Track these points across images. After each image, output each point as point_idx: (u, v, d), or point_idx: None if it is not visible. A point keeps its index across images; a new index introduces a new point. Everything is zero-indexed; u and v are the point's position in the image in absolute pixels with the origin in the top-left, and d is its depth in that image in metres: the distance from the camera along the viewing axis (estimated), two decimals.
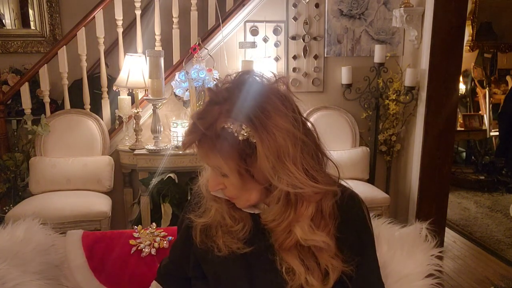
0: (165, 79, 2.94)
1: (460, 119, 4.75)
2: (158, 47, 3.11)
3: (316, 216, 0.91)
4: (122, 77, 2.93)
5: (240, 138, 0.83)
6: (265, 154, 0.83)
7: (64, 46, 3.00)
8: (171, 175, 2.82)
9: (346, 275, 0.93)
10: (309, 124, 0.93)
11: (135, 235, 1.40)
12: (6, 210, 2.66)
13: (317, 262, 0.92)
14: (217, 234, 0.97)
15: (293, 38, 3.22)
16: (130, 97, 3.02)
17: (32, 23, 4.08)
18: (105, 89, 3.14)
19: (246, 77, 0.90)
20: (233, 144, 0.84)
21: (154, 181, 2.78)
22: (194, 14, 3.14)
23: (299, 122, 0.88)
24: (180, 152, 2.84)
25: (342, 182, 0.99)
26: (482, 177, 4.58)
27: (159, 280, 1.14)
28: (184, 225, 1.05)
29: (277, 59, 3.22)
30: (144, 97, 2.98)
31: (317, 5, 3.20)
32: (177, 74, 2.94)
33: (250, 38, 3.16)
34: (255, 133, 0.83)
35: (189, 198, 1.10)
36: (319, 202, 0.91)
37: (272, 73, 0.93)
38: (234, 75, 0.91)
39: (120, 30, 3.12)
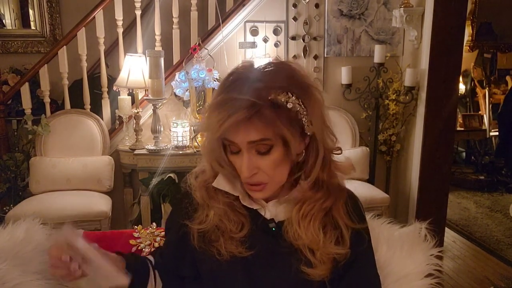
0: (165, 79, 2.94)
1: (460, 119, 4.75)
2: (158, 47, 3.11)
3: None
4: (122, 77, 2.93)
5: (290, 106, 0.86)
6: (316, 118, 0.90)
7: (64, 46, 3.01)
8: (171, 175, 2.83)
9: (342, 265, 0.95)
10: None
11: (135, 235, 1.40)
12: (6, 210, 2.66)
13: (332, 227, 0.96)
14: (219, 241, 0.96)
15: (293, 38, 3.22)
16: (130, 97, 3.02)
17: (32, 23, 4.08)
18: (105, 89, 3.15)
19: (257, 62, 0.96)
20: (283, 112, 0.86)
21: (154, 181, 2.78)
22: (194, 14, 3.15)
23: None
24: (180, 152, 2.85)
25: None
26: (482, 177, 4.58)
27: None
28: (178, 228, 1.03)
29: (277, 59, 3.21)
30: (144, 97, 2.98)
31: (317, 5, 3.20)
32: (177, 74, 2.94)
33: (250, 38, 3.16)
34: (304, 99, 0.89)
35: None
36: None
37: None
38: (245, 62, 0.96)
39: (120, 30, 3.12)
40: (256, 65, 0.93)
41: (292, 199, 0.98)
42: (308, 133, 0.91)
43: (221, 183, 0.99)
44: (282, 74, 0.90)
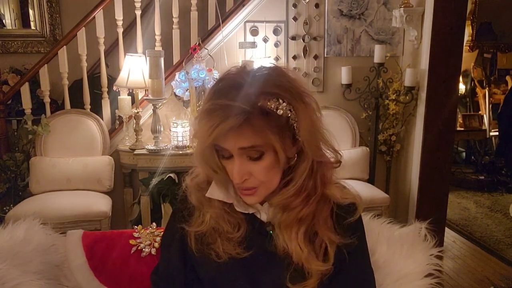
0: (165, 79, 2.94)
1: (460, 119, 4.75)
2: (158, 47, 3.11)
3: None
4: (122, 77, 2.93)
5: (280, 112, 0.85)
6: (306, 125, 0.88)
7: (64, 46, 3.01)
8: (171, 175, 2.83)
9: (327, 279, 0.94)
10: None
11: (135, 235, 1.40)
12: (6, 210, 2.66)
13: (317, 240, 0.94)
14: (216, 242, 0.96)
15: (293, 38, 3.23)
16: (130, 97, 3.02)
17: (32, 23, 4.08)
18: (105, 89, 3.15)
19: (251, 64, 0.95)
20: (273, 119, 0.85)
21: (154, 181, 2.78)
22: (194, 14, 3.15)
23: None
24: (180, 152, 2.85)
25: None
26: (482, 177, 4.58)
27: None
28: (177, 234, 1.03)
29: (277, 59, 3.22)
30: (144, 97, 2.98)
31: (317, 5, 3.20)
32: (177, 74, 2.94)
33: (250, 38, 3.16)
34: (295, 105, 0.87)
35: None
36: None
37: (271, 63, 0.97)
38: (237, 66, 0.93)
39: (120, 30, 3.12)
40: (248, 69, 0.91)
41: (279, 203, 0.96)
42: (299, 139, 0.89)
43: (214, 192, 0.98)
44: (273, 79, 0.88)
